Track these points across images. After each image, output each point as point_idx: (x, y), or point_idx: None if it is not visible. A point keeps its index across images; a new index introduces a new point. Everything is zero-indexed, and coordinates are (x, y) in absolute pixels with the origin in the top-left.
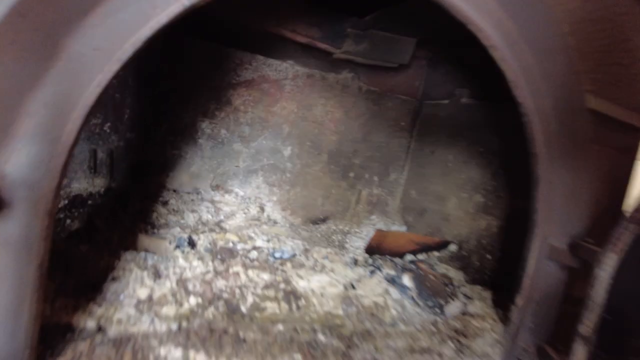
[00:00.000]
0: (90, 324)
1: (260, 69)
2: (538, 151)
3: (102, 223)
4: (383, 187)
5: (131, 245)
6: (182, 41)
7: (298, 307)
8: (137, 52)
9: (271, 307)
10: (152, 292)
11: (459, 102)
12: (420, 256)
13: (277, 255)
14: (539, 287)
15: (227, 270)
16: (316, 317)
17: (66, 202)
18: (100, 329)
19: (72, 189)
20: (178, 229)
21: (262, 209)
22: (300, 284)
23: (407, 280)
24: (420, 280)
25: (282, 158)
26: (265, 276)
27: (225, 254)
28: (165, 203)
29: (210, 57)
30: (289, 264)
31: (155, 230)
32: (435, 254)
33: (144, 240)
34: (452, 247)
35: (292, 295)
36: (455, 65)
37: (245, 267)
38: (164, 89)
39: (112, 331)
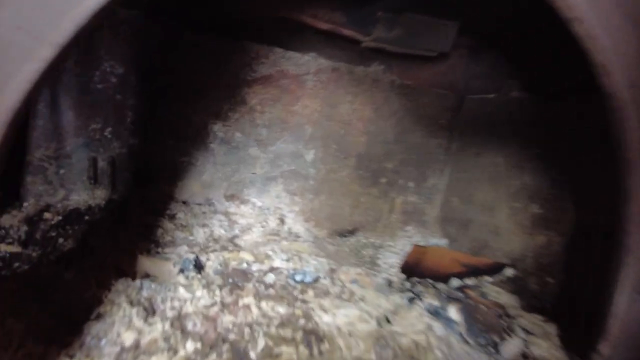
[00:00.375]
0: None
1: (278, 63)
2: (632, 156)
3: (98, 242)
4: (420, 194)
5: (129, 268)
6: (189, 33)
7: (320, 352)
8: (83, 31)
9: (287, 352)
10: (141, 336)
11: (509, 96)
12: (469, 280)
13: (298, 278)
14: (631, 330)
15: (236, 302)
16: None
17: (60, 218)
18: None
19: (69, 203)
20: (185, 248)
21: (282, 221)
22: (324, 320)
23: (453, 312)
24: (469, 312)
25: (305, 163)
26: (282, 309)
27: (237, 277)
28: (172, 217)
29: (221, 50)
30: (310, 292)
31: (160, 250)
32: (487, 277)
33: (144, 262)
34: (508, 272)
35: (313, 335)
36: (504, 52)
37: (259, 297)
38: (168, 87)
39: None
